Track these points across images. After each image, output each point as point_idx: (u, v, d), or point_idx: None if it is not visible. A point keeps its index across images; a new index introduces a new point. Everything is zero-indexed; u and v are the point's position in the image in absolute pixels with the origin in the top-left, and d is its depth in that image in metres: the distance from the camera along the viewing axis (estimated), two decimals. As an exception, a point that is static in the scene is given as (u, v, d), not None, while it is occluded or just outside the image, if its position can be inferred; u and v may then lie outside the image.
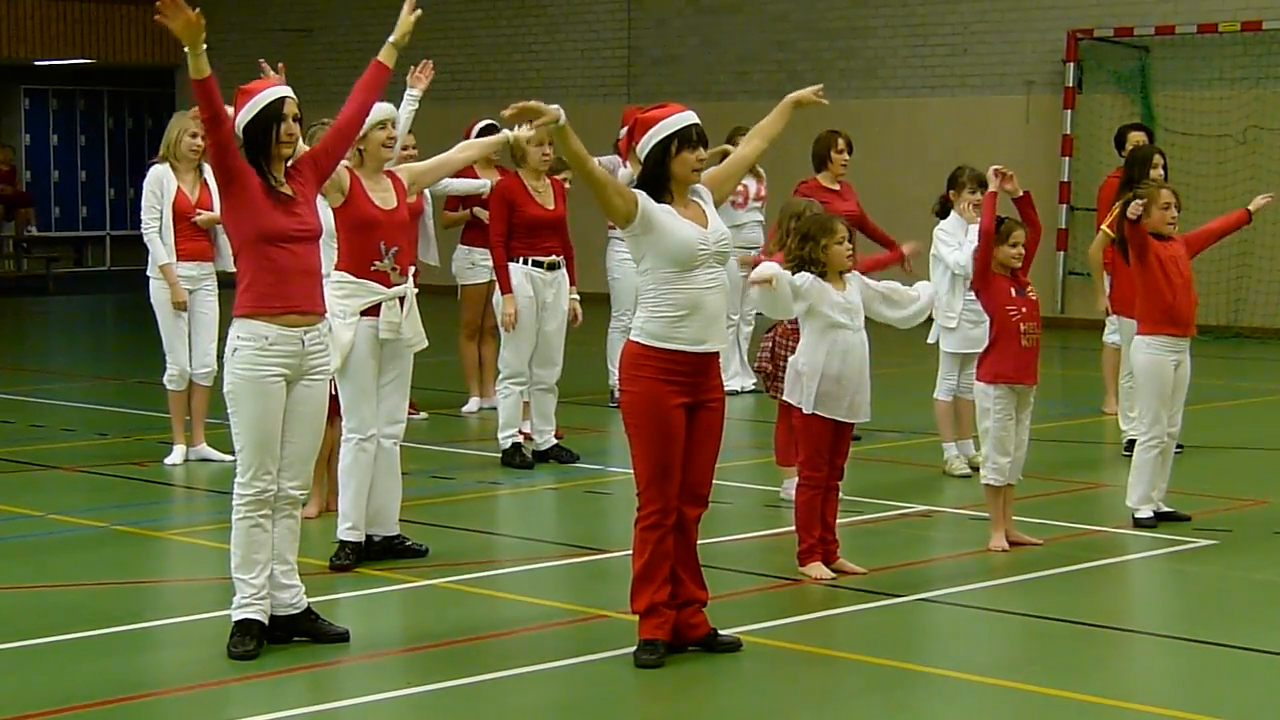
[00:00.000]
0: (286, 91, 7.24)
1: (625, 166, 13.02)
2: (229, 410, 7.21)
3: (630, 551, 7.21)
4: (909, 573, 8.76)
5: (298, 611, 7.33)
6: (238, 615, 7.19)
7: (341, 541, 8.71)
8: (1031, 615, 7.98)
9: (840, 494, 8.75)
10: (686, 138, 7.10)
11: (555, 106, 6.94)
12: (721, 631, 7.28)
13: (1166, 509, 9.70)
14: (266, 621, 7.22)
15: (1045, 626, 7.80)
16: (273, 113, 7.16)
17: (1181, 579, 8.83)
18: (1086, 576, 8.71)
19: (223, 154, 7.07)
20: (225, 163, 7.08)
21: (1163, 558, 9.05)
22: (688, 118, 7.13)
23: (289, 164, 7.26)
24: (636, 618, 7.14)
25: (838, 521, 8.68)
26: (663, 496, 7.07)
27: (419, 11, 8.07)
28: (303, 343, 7.18)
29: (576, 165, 7.02)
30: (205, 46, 6.74)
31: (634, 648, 7.09)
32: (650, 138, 7.11)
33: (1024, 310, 9.03)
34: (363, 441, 8.64)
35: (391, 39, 7.78)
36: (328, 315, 7.47)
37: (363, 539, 8.74)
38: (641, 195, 7.08)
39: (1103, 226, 11.78)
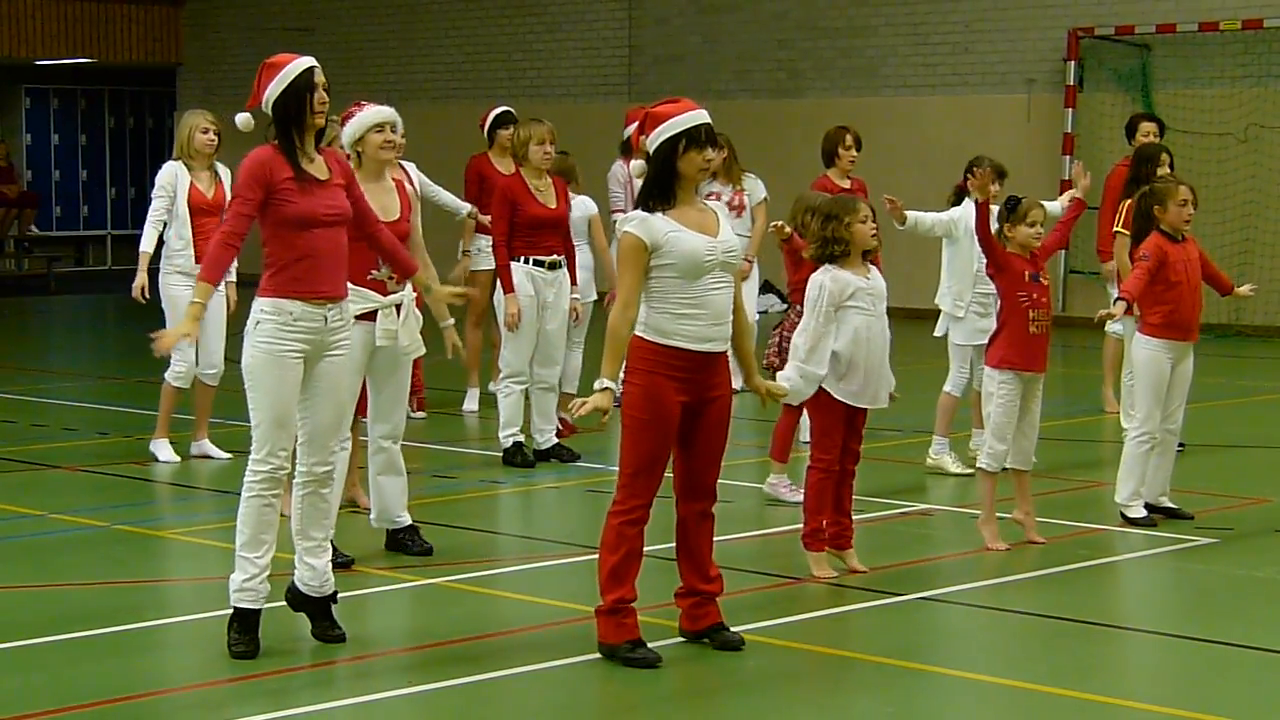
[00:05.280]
0: (314, 61, 7.21)
1: (627, 171, 13.07)
2: (246, 386, 7.12)
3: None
4: (911, 571, 8.75)
5: (316, 596, 7.32)
6: (235, 601, 7.14)
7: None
8: (1033, 614, 7.98)
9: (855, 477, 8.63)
10: (695, 138, 7.03)
11: (603, 389, 6.92)
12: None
13: (1170, 505, 9.69)
14: (261, 610, 7.17)
15: (1047, 625, 7.79)
16: (304, 83, 7.12)
17: (1183, 577, 8.82)
18: (1088, 575, 8.71)
19: (247, 218, 7.15)
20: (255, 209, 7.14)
21: (1164, 556, 9.04)
22: (697, 117, 7.06)
23: (328, 145, 7.25)
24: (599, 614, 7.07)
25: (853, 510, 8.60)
26: (647, 491, 7.07)
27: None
28: (325, 319, 7.15)
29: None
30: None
31: (619, 649, 7.02)
32: (659, 134, 7.05)
33: (1034, 296, 8.98)
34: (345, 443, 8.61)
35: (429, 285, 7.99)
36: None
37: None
38: (640, 228, 6.98)
39: (1117, 228, 11.71)
